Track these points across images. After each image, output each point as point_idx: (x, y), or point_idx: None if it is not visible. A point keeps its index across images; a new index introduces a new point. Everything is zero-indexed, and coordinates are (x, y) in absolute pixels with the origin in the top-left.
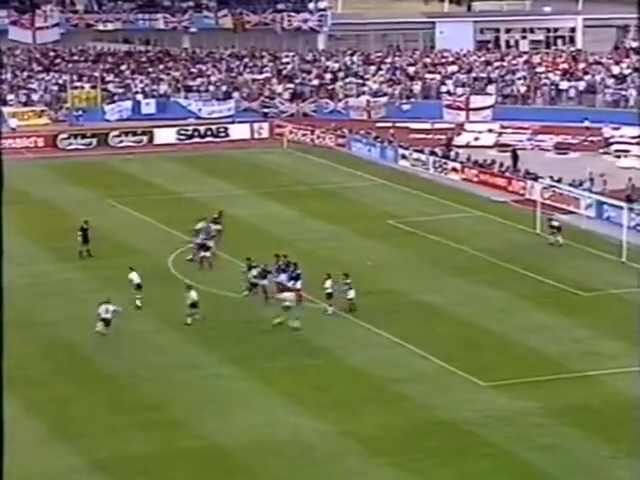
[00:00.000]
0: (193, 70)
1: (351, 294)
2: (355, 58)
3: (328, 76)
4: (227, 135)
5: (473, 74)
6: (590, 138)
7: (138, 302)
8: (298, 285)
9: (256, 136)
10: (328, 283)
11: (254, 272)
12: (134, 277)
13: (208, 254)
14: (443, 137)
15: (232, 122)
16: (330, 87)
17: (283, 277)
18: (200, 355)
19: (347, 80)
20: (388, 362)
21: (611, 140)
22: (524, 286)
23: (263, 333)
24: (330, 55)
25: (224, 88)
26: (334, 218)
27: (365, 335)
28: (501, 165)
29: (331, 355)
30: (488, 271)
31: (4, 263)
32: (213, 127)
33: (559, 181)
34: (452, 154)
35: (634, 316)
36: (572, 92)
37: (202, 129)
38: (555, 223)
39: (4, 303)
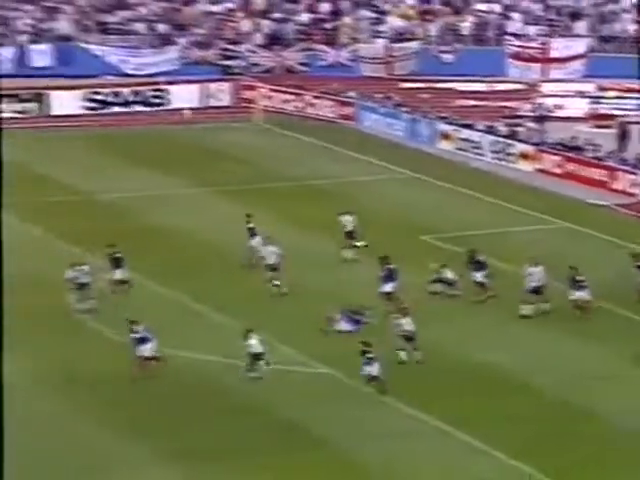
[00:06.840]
0: None
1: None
2: None
3: (325, 8)
4: (164, 102)
5: (551, 1)
6: None
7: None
8: None
9: (211, 103)
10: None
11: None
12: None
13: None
14: (508, 104)
15: (172, 82)
16: (328, 26)
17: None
18: None
19: (355, 15)
20: (425, 458)
21: None
22: None
23: None
24: None
25: (161, 28)
26: (334, 231)
27: (395, 419)
28: (598, 148)
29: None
30: (584, 319)
31: None
32: (142, 89)
33: None
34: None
35: None
36: None
37: (125, 92)
38: None
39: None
